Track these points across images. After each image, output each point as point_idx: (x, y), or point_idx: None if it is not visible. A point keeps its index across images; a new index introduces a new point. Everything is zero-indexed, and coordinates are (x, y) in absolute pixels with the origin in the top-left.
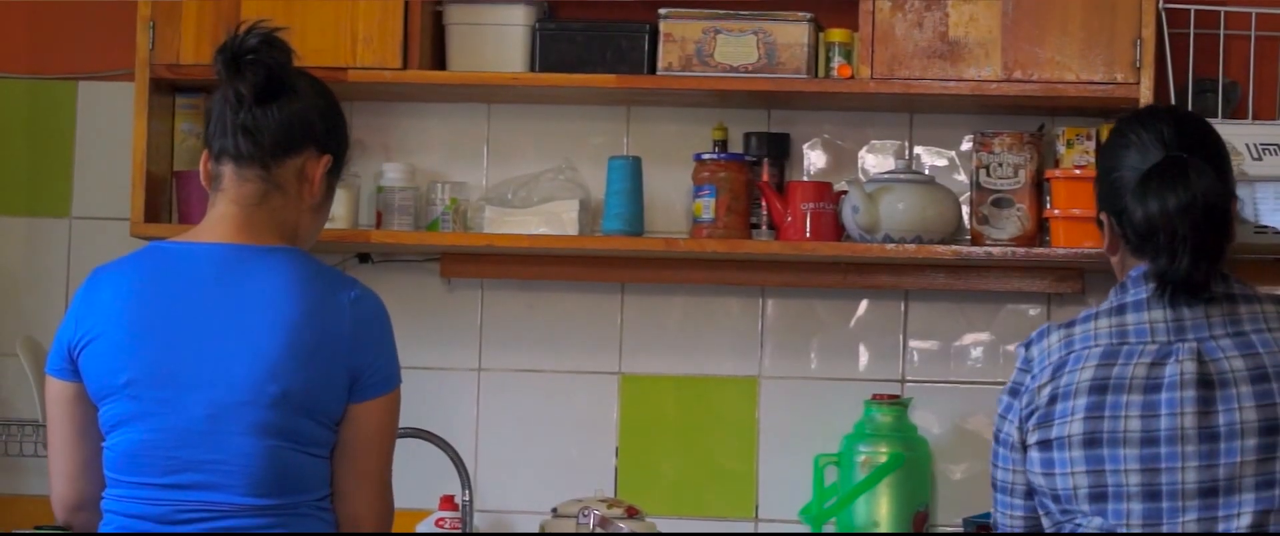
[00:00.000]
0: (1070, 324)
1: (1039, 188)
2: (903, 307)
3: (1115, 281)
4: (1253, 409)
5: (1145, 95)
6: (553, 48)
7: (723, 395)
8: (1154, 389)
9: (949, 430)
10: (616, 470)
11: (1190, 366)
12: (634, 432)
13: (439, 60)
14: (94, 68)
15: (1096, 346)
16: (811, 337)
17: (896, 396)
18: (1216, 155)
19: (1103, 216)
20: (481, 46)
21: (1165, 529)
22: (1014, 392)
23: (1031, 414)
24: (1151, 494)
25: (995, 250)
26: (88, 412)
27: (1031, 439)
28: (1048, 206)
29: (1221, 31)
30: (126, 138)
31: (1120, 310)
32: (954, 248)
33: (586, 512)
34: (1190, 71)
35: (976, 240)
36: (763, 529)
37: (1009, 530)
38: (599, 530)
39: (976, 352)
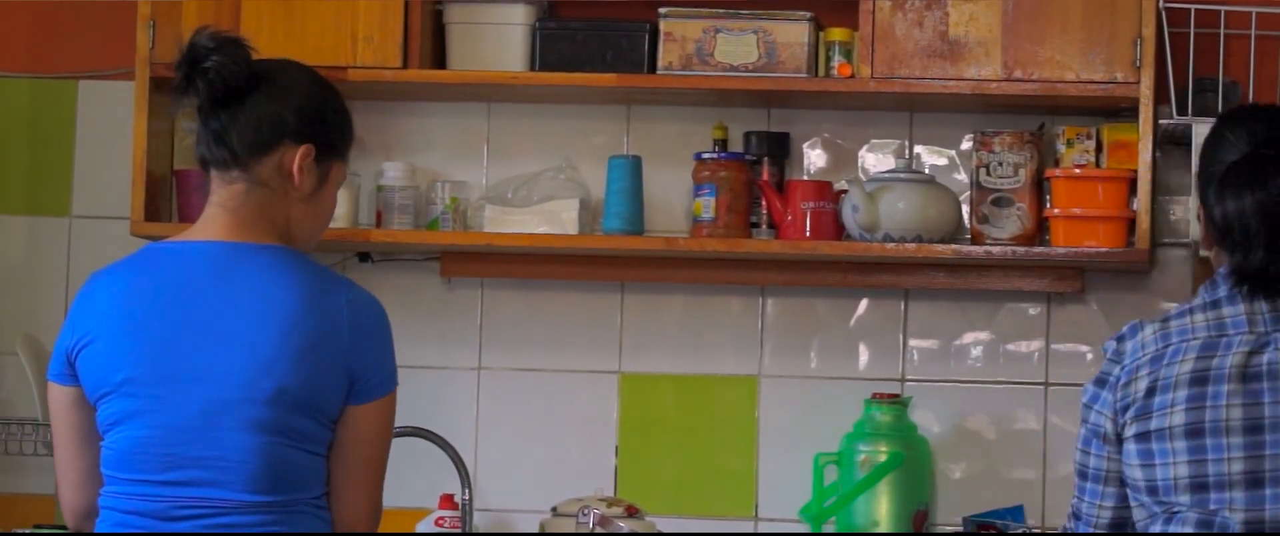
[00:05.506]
0: (1165, 319)
1: (1039, 187)
2: (903, 307)
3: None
4: None
5: (1145, 94)
6: (553, 47)
7: (722, 394)
8: (1254, 377)
9: (949, 429)
10: (616, 469)
11: None
12: (634, 432)
13: (439, 59)
14: (94, 67)
15: (1195, 340)
16: (811, 337)
17: (896, 395)
18: None
19: (1200, 211)
20: (482, 46)
21: (1268, 513)
22: (1101, 383)
23: (1127, 407)
24: (1254, 480)
25: (995, 249)
26: (90, 417)
27: (1128, 432)
28: (1048, 205)
29: (1222, 31)
30: (127, 137)
31: (1216, 304)
32: (954, 247)
33: (586, 511)
34: (1190, 71)
35: (976, 239)
36: (762, 528)
37: (1094, 520)
38: (599, 529)
39: (976, 352)
